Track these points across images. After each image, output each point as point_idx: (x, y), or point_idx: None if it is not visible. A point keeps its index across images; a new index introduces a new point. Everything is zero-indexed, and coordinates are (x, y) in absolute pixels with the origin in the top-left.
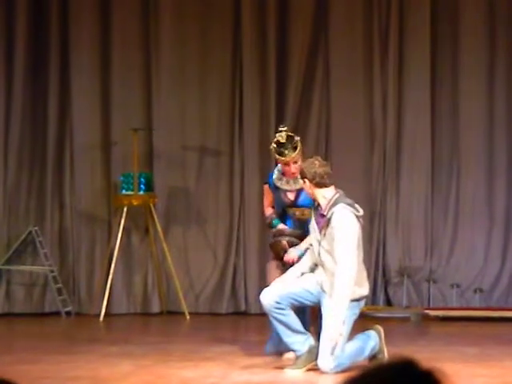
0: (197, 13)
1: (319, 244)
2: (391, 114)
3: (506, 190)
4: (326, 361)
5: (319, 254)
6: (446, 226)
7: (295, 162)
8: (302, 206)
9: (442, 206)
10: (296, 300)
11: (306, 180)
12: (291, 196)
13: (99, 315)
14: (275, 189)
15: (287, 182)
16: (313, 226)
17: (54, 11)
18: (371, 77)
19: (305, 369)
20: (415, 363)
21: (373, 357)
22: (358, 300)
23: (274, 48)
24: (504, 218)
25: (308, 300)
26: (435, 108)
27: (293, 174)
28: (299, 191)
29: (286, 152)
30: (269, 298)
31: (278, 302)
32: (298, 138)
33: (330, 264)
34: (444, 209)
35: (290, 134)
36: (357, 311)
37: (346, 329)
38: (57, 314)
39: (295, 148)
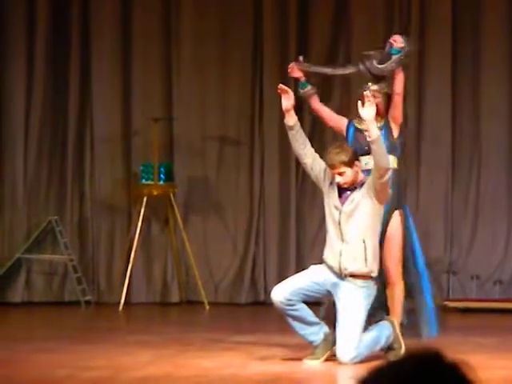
0: (218, 2)
1: (340, 212)
2: (411, 105)
3: None
4: (345, 351)
5: (339, 223)
6: (466, 218)
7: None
8: None
9: (462, 197)
10: (306, 294)
11: (356, 163)
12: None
13: (118, 304)
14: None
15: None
16: (332, 204)
17: (75, 1)
18: None
19: (323, 358)
20: (441, 355)
21: (389, 347)
22: (374, 279)
23: (295, 39)
24: None
25: (317, 292)
26: (456, 99)
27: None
28: None
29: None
30: (279, 296)
31: (288, 299)
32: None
33: (351, 235)
34: (464, 200)
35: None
36: (374, 292)
37: (363, 316)
38: (76, 303)
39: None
